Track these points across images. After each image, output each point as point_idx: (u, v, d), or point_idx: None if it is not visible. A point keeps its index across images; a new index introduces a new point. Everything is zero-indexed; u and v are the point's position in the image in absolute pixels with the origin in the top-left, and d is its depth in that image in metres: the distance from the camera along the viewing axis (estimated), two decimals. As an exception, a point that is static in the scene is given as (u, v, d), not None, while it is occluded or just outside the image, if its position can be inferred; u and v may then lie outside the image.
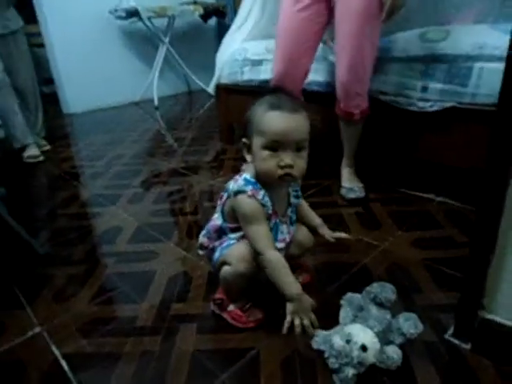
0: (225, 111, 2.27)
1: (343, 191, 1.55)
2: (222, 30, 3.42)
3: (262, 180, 0.83)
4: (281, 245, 0.90)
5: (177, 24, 3.80)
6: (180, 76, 4.25)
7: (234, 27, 2.17)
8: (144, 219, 1.50)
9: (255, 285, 0.93)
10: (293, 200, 0.92)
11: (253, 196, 0.81)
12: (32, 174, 2.14)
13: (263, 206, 0.82)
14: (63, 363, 0.86)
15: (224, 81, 2.17)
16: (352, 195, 1.52)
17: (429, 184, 1.58)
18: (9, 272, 1.20)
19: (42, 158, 2.29)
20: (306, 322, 0.77)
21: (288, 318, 0.78)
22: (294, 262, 1.06)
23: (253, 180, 0.83)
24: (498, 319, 0.76)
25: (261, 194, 0.82)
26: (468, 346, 0.81)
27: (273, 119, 0.77)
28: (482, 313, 0.78)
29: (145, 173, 2.02)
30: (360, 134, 1.51)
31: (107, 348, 0.89)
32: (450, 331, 0.85)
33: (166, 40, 3.72)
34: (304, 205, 0.99)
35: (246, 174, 0.84)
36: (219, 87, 2.22)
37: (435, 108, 1.36)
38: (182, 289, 1.08)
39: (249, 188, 0.81)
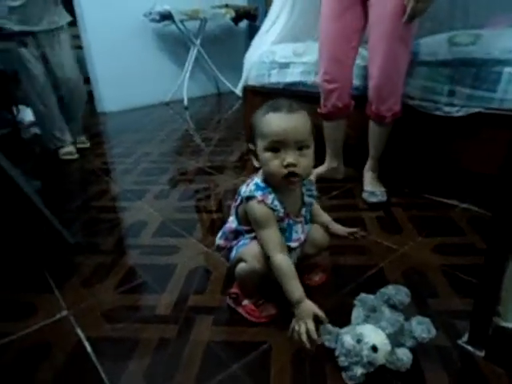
0: (251, 112, 2.30)
1: (365, 195, 1.55)
2: (253, 32, 3.47)
3: (271, 183, 0.85)
4: (295, 244, 0.92)
5: (208, 27, 3.89)
6: (210, 78, 4.33)
7: (262, 30, 2.21)
8: (168, 215, 1.55)
9: (269, 282, 0.95)
10: (307, 199, 0.94)
11: (262, 201, 0.83)
12: (67, 169, 2.25)
13: (273, 210, 0.84)
14: (87, 345, 0.91)
15: (251, 82, 2.21)
16: (374, 199, 1.51)
17: (453, 190, 1.55)
18: (41, 258, 1.28)
19: (76, 156, 2.35)
20: (302, 328, 0.76)
21: (292, 323, 0.80)
22: (311, 262, 1.08)
23: (263, 185, 0.85)
24: (512, 327, 0.75)
25: (270, 198, 0.84)
26: (482, 354, 0.81)
27: (272, 120, 0.80)
28: (496, 320, 0.77)
29: (172, 171, 2.09)
30: (388, 136, 1.50)
31: (128, 333, 0.94)
32: (464, 338, 0.84)
33: (198, 42, 3.81)
34: (315, 205, 1.01)
35: (257, 179, 0.87)
36: (246, 89, 2.26)
37: (461, 113, 1.34)
38: (200, 282, 1.12)
39: (258, 194, 0.84)
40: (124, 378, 0.82)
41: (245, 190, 0.87)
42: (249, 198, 0.85)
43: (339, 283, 1.07)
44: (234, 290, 0.98)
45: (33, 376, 0.84)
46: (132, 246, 1.34)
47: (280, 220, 0.87)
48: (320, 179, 1.68)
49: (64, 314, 1.02)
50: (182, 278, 1.14)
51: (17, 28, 1.87)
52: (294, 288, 0.81)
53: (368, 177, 1.59)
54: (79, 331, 0.96)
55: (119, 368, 0.84)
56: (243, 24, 4.22)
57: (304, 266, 1.08)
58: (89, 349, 0.90)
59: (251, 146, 0.88)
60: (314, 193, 0.96)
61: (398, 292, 0.84)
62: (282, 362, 0.83)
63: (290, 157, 0.80)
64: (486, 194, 1.48)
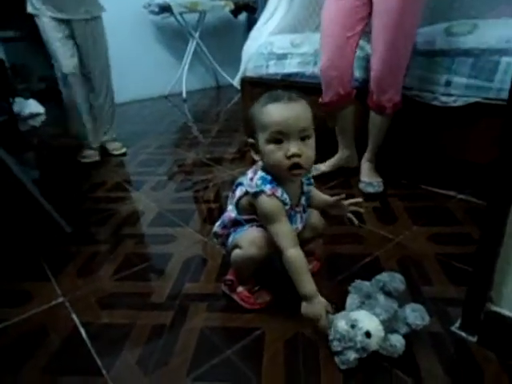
0: (249, 104, 2.29)
1: (361, 185, 1.56)
2: (252, 25, 3.45)
3: (275, 175, 0.83)
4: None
5: (207, 19, 3.87)
6: (209, 70, 4.32)
7: (261, 21, 2.19)
8: (165, 205, 1.55)
9: (264, 268, 0.96)
10: (306, 188, 0.94)
11: (272, 195, 0.81)
12: (64, 161, 2.24)
13: (283, 203, 0.83)
14: (82, 331, 0.92)
15: (249, 74, 2.19)
16: (370, 189, 1.52)
17: (451, 181, 1.55)
18: (38, 247, 1.29)
19: (97, 158, 2.12)
20: (321, 325, 0.79)
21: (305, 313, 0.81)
22: (305, 249, 1.09)
23: (269, 177, 0.83)
24: (504, 312, 0.75)
25: (279, 191, 0.82)
26: (474, 339, 0.81)
27: (272, 111, 0.79)
28: (489, 305, 0.77)
29: (169, 162, 2.09)
30: (388, 127, 1.49)
31: (122, 320, 0.94)
32: (457, 324, 0.85)
33: (196, 35, 3.79)
34: (313, 189, 0.99)
35: (261, 172, 0.84)
36: (244, 80, 2.25)
37: (459, 103, 1.33)
38: (196, 271, 1.12)
39: (268, 187, 0.81)
40: (118, 364, 0.82)
41: (249, 183, 0.85)
42: (257, 193, 0.82)
43: (335, 271, 1.07)
44: (229, 276, 0.98)
45: (29, 360, 0.85)
46: (128, 236, 1.34)
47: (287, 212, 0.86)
48: (336, 170, 1.71)
49: (60, 301, 1.02)
50: (178, 267, 1.14)
51: (52, 15, 1.80)
52: (308, 283, 0.80)
53: (365, 168, 1.60)
54: (75, 317, 0.96)
55: (114, 353, 0.84)
56: (242, 16, 4.20)
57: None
58: (84, 334, 0.91)
59: (250, 140, 0.86)
60: (312, 180, 0.96)
61: (393, 279, 0.85)
62: (276, 347, 0.84)
63: (293, 147, 0.78)
64: (484, 185, 1.49)
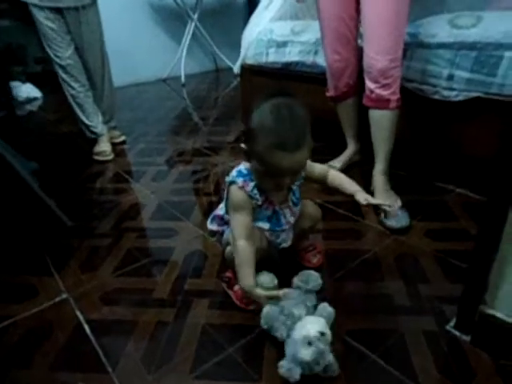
0: (248, 92, 2.28)
1: (382, 217, 1.28)
2: (253, 7, 3.38)
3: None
4: (286, 227, 0.95)
5: (206, 0, 3.77)
6: (208, 54, 4.24)
7: (261, 6, 2.14)
8: (165, 197, 1.56)
9: (262, 266, 0.97)
10: (294, 185, 0.93)
11: (242, 188, 0.85)
12: (63, 150, 2.23)
13: (251, 197, 0.86)
14: (86, 327, 0.94)
15: (249, 61, 2.16)
16: (394, 224, 1.25)
17: (450, 175, 1.56)
18: (40, 241, 1.30)
19: (111, 157, 2.03)
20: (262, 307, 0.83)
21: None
22: (307, 244, 1.11)
23: (245, 172, 0.87)
24: (498, 315, 0.77)
25: (250, 186, 0.86)
26: (468, 338, 0.83)
27: (278, 159, 0.77)
28: (483, 307, 0.79)
29: (169, 151, 2.08)
30: (396, 124, 1.33)
31: (126, 316, 0.96)
32: (452, 322, 0.87)
33: (195, 17, 3.71)
34: (335, 175, 0.97)
35: (242, 166, 0.88)
36: (244, 67, 2.22)
37: (460, 98, 1.32)
38: (197, 266, 1.14)
39: (240, 180, 0.85)
40: (122, 360, 0.85)
41: (230, 175, 0.89)
42: (230, 183, 0.88)
43: (333, 268, 1.09)
44: (228, 273, 1.01)
45: (35, 356, 0.87)
46: (129, 229, 1.35)
47: (259, 208, 0.89)
48: (351, 164, 1.66)
49: (64, 297, 1.04)
50: (179, 262, 1.16)
51: (40, 3, 1.75)
52: (247, 276, 0.84)
53: (380, 183, 1.36)
54: (79, 314, 0.98)
55: (117, 350, 0.87)
56: (242, -2, 4.10)
57: (301, 247, 1.11)
58: (88, 331, 0.93)
59: (244, 147, 0.85)
60: (302, 173, 0.92)
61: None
62: (277, 344, 0.86)
63: (288, 180, 0.83)
64: (483, 179, 1.49)
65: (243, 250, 0.85)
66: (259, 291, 0.83)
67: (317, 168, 0.97)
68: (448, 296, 0.96)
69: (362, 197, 0.89)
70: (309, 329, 0.74)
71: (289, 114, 0.76)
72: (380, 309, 0.94)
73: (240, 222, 0.86)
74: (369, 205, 0.88)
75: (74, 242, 1.29)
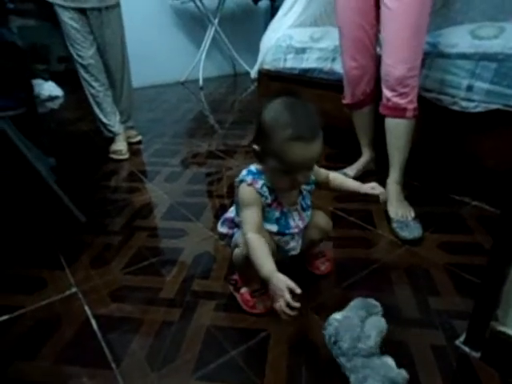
0: (265, 97, 2.28)
1: (394, 225, 1.28)
2: (274, 12, 3.41)
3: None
4: (295, 230, 0.93)
5: (227, 5, 3.82)
6: (226, 58, 4.28)
7: (280, 13, 2.16)
8: (178, 198, 1.57)
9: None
10: (304, 187, 0.94)
11: (251, 184, 0.85)
12: (80, 147, 2.28)
13: (261, 195, 0.86)
14: (93, 323, 0.95)
15: (267, 66, 2.18)
16: (406, 234, 1.23)
17: (466, 187, 1.53)
18: (53, 235, 1.32)
19: (127, 156, 2.05)
20: (281, 304, 0.70)
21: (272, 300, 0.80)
22: (317, 251, 1.10)
23: (255, 171, 0.88)
24: (509, 332, 0.75)
25: (260, 183, 0.86)
26: (477, 355, 0.81)
27: (294, 151, 0.77)
28: (494, 323, 0.77)
29: (184, 153, 2.10)
30: (412, 134, 1.32)
31: (132, 314, 0.97)
32: (462, 338, 0.85)
33: (215, 21, 3.75)
34: (335, 175, 1.02)
35: (252, 166, 0.89)
36: (261, 72, 2.24)
37: (479, 109, 1.30)
38: (205, 267, 1.14)
39: (249, 178, 0.86)
40: (127, 358, 0.85)
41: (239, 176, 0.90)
42: (239, 183, 0.88)
43: (341, 277, 1.08)
44: (235, 276, 1.01)
45: (41, 348, 0.89)
46: (140, 228, 1.37)
47: (268, 206, 0.88)
48: (365, 172, 1.64)
49: (73, 291, 1.06)
50: (188, 263, 1.16)
51: (64, 4, 1.80)
52: (265, 265, 0.77)
53: (393, 193, 1.36)
54: (87, 308, 1.00)
55: (122, 346, 0.88)
56: (263, 4, 4.13)
57: (310, 254, 1.10)
58: (95, 326, 0.94)
59: (255, 147, 0.84)
60: (312, 178, 0.94)
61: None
62: (280, 349, 0.85)
63: (302, 177, 0.82)
64: (499, 193, 1.46)
65: (254, 241, 0.81)
66: (282, 276, 0.74)
67: (321, 171, 1.00)
68: (458, 310, 0.94)
69: (367, 187, 0.95)
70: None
71: (302, 108, 0.79)
72: (387, 320, 0.92)
73: (249, 217, 0.85)
74: (375, 195, 0.94)
75: (86, 237, 1.31)
